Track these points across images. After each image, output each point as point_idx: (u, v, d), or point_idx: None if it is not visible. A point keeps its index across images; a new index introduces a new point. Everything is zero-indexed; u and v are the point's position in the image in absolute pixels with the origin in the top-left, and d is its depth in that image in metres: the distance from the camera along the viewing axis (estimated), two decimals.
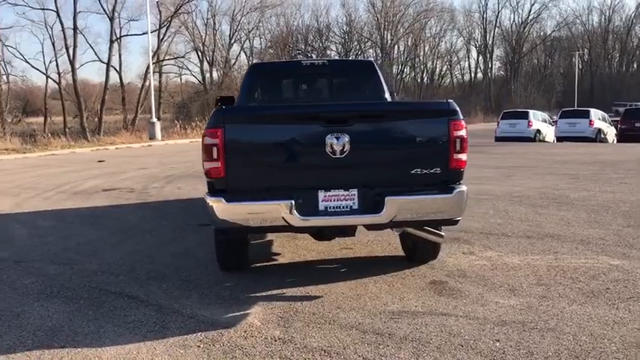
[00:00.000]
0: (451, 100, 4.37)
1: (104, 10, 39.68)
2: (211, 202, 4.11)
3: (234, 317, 4.02)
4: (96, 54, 41.11)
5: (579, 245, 5.70)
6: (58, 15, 38.38)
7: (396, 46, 66.95)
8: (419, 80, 73.29)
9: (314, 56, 65.68)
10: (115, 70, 40.33)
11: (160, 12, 40.04)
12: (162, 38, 41.01)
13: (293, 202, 4.07)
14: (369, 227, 4.56)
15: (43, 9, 39.45)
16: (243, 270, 5.12)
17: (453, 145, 4.22)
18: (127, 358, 3.43)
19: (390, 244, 5.85)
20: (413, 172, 4.22)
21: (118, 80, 41.74)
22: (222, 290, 4.62)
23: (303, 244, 5.90)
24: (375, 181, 4.24)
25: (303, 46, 66.74)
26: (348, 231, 4.53)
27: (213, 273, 5.06)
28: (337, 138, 4.10)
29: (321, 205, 4.20)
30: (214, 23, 50.69)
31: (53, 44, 40.16)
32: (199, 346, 3.54)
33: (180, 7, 40.18)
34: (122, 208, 8.84)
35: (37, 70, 46.64)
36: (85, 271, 5.28)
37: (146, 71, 34.35)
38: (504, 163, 13.95)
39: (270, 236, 6.26)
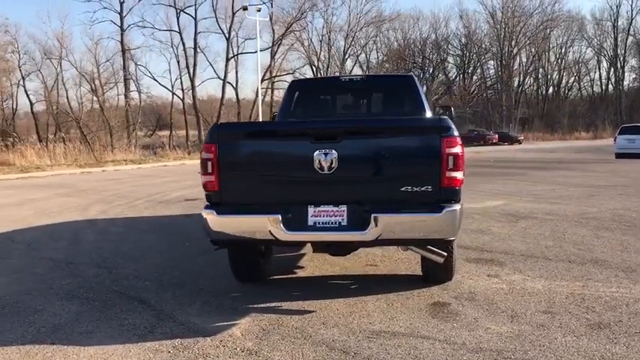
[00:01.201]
0: (444, 117, 4.25)
1: (221, 30, 41.96)
2: (205, 214, 4.29)
3: (220, 327, 4.14)
4: (215, 71, 43.62)
5: (620, 273, 5.26)
6: (181, 36, 41.13)
7: (517, 57, 64.42)
8: (542, 92, 70.02)
9: (430, 70, 65.13)
10: (232, 86, 42.46)
11: (274, 30, 41.67)
12: (274, 55, 42.54)
13: (280, 216, 4.15)
14: (359, 245, 4.52)
15: (168, 30, 42.31)
16: (257, 281, 5.24)
17: (446, 162, 4.10)
18: (102, 356, 3.66)
19: (416, 262, 5.71)
20: (403, 189, 4.15)
21: (235, 96, 43.88)
22: (226, 300, 4.77)
23: (330, 260, 5.92)
24: (364, 198, 4.22)
25: (420, 59, 66.18)
26: (338, 247, 4.50)
27: (229, 283, 5.21)
28: (325, 154, 4.13)
29: (311, 220, 4.23)
30: (329, 39, 51.71)
31: (178, 63, 42.96)
32: (169, 352, 3.70)
33: (291, 25, 41.50)
34: (192, 217, 9.30)
35: (164, 87, 49.96)
36: (119, 275, 5.65)
37: (258, 87, 35.79)
38: (597, 181, 13.08)
39: (299, 250, 6.35)
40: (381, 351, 3.63)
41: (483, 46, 64.83)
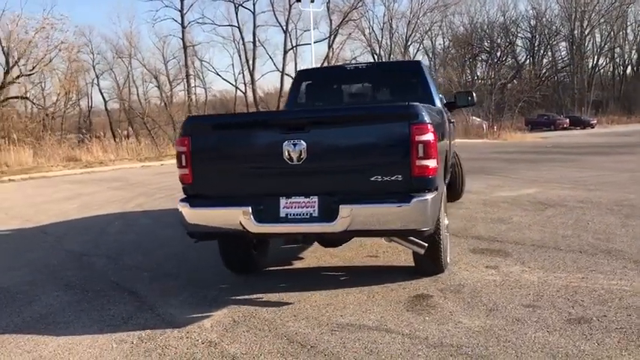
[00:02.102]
0: (415, 103, 4.10)
1: (279, 23, 42.34)
2: (180, 207, 4.34)
3: (194, 318, 4.18)
4: (274, 64, 43.87)
5: (630, 264, 4.94)
6: (240, 30, 41.77)
7: (590, 38, 61.46)
8: (619, 73, 66.55)
9: (498, 54, 63.13)
10: (291, 78, 42.53)
11: (331, 21, 41.59)
12: (331, 44, 42.52)
13: (250, 208, 4.13)
14: (330, 236, 4.43)
15: (227, 25, 43.02)
16: (251, 273, 5.26)
17: (415, 150, 3.95)
18: (68, 346, 3.78)
19: None
20: (373, 179, 4.03)
21: None
22: (212, 291, 4.81)
23: (332, 251, 5.85)
24: (334, 189, 4.13)
25: (487, 44, 64.36)
26: (310, 239, 4.42)
27: (224, 274, 5.24)
28: (294, 145, 4.08)
29: (282, 212, 4.19)
30: (391, 26, 51.09)
31: (240, 57, 43.69)
32: (132, 342, 3.78)
33: (348, 14, 41.30)
34: None
35: (227, 81, 50.84)
36: (123, 266, 5.81)
37: None
38: None
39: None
40: (338, 344, 3.57)
41: (554, 27, 62.28)
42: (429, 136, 3.98)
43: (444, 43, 63.12)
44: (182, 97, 44.30)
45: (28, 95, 27.51)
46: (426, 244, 4.38)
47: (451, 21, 61.49)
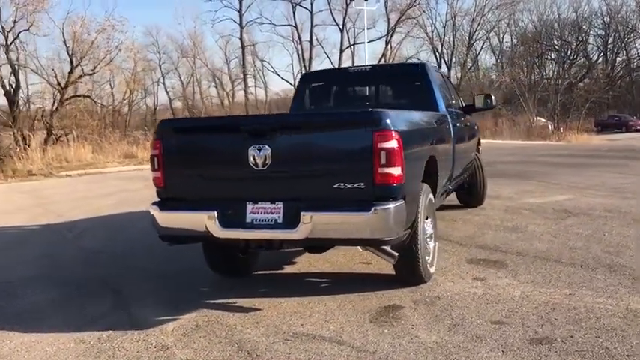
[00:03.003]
0: (379, 109, 3.98)
1: (335, 22, 42.48)
2: (151, 210, 4.40)
3: (161, 320, 4.22)
4: (331, 63, 43.87)
5: (627, 281, 4.64)
6: (297, 29, 42.22)
7: None
8: None
9: (568, 52, 60.62)
10: None
11: (389, 19, 41.28)
12: (388, 43, 42.21)
13: (216, 212, 4.14)
14: (291, 244, 4.35)
15: (285, 25, 43.43)
16: (237, 275, 5.27)
17: (378, 158, 3.85)
18: (30, 343, 3.89)
19: None
20: (336, 186, 3.96)
21: None
22: (192, 294, 4.85)
23: (325, 256, 5.77)
24: (298, 195, 4.08)
25: (556, 42, 62.03)
26: (271, 246, 4.36)
27: (211, 278, 5.27)
28: (259, 150, 4.06)
29: (249, 217, 4.18)
30: (454, 24, 50.14)
31: (299, 57, 44.03)
32: (90, 343, 3.85)
33: (405, 11, 40.80)
34: None
35: (285, 80, 51.28)
36: (124, 266, 5.96)
37: None
38: None
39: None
40: (283, 354, 3.53)
41: (629, 24, 59.30)
42: (393, 144, 3.86)
43: (511, 40, 61.28)
44: (243, 96, 45.15)
45: (91, 94, 28.58)
46: (397, 254, 4.27)
47: (519, 18, 59.60)
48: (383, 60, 41.95)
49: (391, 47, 43.02)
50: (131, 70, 32.88)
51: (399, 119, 4.12)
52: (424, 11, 44.89)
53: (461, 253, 5.76)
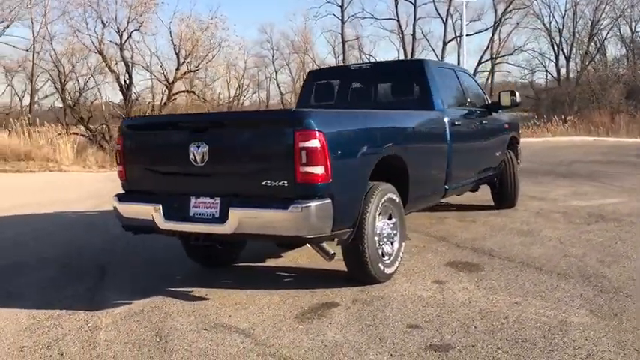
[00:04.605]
0: (303, 109, 4.03)
1: (439, 15, 41.70)
2: (113, 201, 4.74)
3: (116, 304, 4.49)
4: (436, 56, 42.85)
5: (593, 295, 4.35)
6: (399, 23, 42.04)
7: None
8: None
9: None
10: None
11: (496, 10, 39.78)
12: (494, 34, 40.67)
13: (161, 205, 4.40)
14: (224, 238, 4.47)
15: (387, 19, 43.19)
16: (216, 265, 5.52)
17: (299, 157, 3.91)
18: None
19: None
20: (264, 184, 4.07)
21: None
22: (163, 282, 5.11)
23: (308, 252, 5.81)
24: (231, 191, 4.24)
25: None
26: (206, 240, 4.51)
27: (193, 267, 5.55)
28: (197, 147, 4.26)
29: (192, 211, 4.39)
30: (574, 12, 47.18)
31: (404, 50, 43.59)
32: (38, 319, 4.21)
33: (511, 3, 38.96)
34: None
35: None
36: (133, 252, 6.34)
37: (475, 70, 34.73)
38: None
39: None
40: (187, 342, 3.70)
41: None
42: (314, 143, 3.90)
43: None
44: None
45: (195, 90, 30.20)
46: (332, 252, 4.30)
47: None
48: (488, 53, 40.58)
49: (499, 39, 41.48)
50: (236, 67, 34.43)
51: (327, 119, 4.15)
52: (532, 2, 42.58)
53: (447, 254, 5.62)
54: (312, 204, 3.93)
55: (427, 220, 7.32)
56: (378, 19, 48.01)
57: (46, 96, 36.28)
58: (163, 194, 4.50)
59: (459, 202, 8.35)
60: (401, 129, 5.13)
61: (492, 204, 8.06)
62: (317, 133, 3.92)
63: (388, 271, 4.78)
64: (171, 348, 3.63)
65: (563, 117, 28.82)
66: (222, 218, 4.19)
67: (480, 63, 41.22)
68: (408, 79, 6.15)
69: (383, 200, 4.66)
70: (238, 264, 5.67)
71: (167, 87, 29.32)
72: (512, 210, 7.86)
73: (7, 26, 27.32)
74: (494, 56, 41.71)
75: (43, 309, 4.47)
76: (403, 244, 5.04)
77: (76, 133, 21.74)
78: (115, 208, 4.72)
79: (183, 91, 29.29)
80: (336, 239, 4.40)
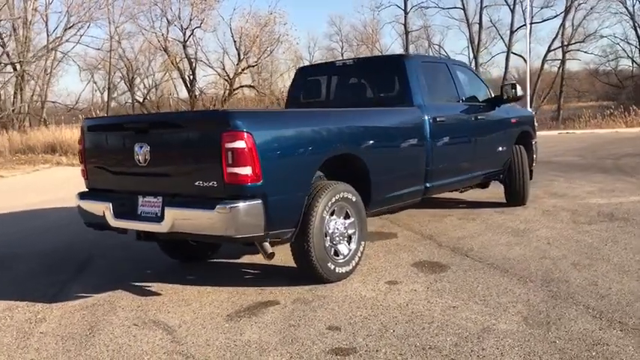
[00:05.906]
0: (231, 110, 4.05)
1: (506, 2, 40.34)
2: (76, 199, 4.94)
3: (77, 297, 4.70)
4: (505, 45, 41.30)
5: (541, 299, 4.14)
6: (464, 11, 41.02)
7: None
8: None
9: None
10: (523, 58, 39.94)
11: None
12: (564, 21, 38.77)
13: (111, 204, 4.55)
14: (163, 236, 4.53)
15: (452, 8, 42.17)
16: (190, 260, 5.65)
17: (225, 157, 3.94)
18: None
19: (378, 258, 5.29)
20: (197, 184, 4.14)
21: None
22: (131, 277, 5.26)
23: (286, 250, 5.85)
24: (171, 190, 4.32)
25: None
26: (148, 237, 4.60)
27: (169, 262, 5.69)
28: (141, 147, 4.38)
29: (139, 210, 4.52)
30: None
31: (471, 40, 42.47)
32: (17, 311, 4.47)
33: None
34: None
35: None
36: (129, 246, 6.52)
37: (544, 58, 33.31)
38: None
39: None
40: (113, 336, 3.84)
41: None
42: (240, 144, 3.92)
43: None
44: None
45: (255, 85, 30.79)
46: (271, 252, 4.31)
47: None
48: (558, 40, 38.74)
49: (573, 25, 39.50)
50: (302, 60, 34.75)
51: (258, 120, 4.17)
52: None
53: (422, 254, 5.50)
54: (240, 204, 3.94)
55: (426, 217, 7.17)
56: (443, 9, 47.06)
57: (124, 92, 38.04)
58: (114, 193, 4.66)
59: (476, 198, 8.14)
60: (357, 127, 5.03)
61: (503, 201, 7.77)
62: (244, 134, 3.93)
63: (341, 270, 4.72)
64: (92, 343, 3.76)
65: None
66: (162, 217, 4.28)
67: (549, 51, 39.41)
68: (388, 75, 6.02)
69: (334, 199, 4.61)
70: (214, 260, 5.76)
71: (228, 82, 30.07)
72: (522, 207, 7.55)
73: (88, 26, 28.74)
74: (565, 44, 39.75)
75: (9, 300, 4.72)
76: (363, 243, 4.96)
77: None
78: (78, 205, 4.92)
79: (244, 86, 30.00)
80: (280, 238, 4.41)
